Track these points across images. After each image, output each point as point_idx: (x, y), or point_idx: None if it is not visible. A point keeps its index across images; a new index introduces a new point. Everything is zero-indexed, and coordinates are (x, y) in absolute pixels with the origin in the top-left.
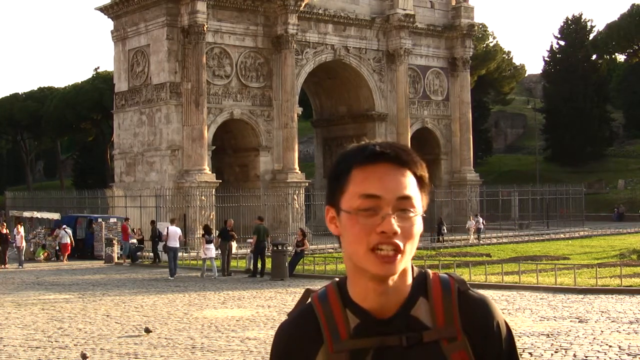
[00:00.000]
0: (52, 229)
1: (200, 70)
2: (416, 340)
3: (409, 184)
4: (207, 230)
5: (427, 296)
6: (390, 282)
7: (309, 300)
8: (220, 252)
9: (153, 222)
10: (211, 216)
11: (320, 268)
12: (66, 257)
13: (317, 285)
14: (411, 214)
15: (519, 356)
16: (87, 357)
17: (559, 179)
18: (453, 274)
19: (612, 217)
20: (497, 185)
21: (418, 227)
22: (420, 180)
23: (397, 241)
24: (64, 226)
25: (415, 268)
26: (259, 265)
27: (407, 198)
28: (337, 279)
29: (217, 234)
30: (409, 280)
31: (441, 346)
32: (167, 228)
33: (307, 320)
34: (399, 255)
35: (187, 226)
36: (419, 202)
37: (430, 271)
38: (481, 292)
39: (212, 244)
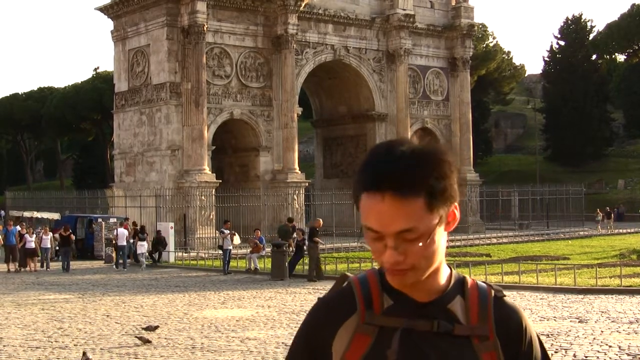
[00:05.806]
0: (52, 229)
1: (200, 70)
2: (447, 329)
3: (410, 214)
4: (141, 229)
5: (464, 296)
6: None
7: (347, 282)
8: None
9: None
10: (211, 216)
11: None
12: None
13: (317, 286)
14: (417, 242)
15: None
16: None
17: (559, 179)
18: (491, 283)
19: None
20: (497, 185)
21: (430, 245)
22: (431, 193)
23: (404, 267)
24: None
25: (454, 272)
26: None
27: (407, 231)
28: (376, 266)
29: (305, 236)
30: (442, 278)
31: (472, 343)
32: (117, 230)
33: (344, 296)
34: (409, 272)
35: (187, 226)
36: (429, 223)
37: (468, 277)
38: None
39: (145, 242)
